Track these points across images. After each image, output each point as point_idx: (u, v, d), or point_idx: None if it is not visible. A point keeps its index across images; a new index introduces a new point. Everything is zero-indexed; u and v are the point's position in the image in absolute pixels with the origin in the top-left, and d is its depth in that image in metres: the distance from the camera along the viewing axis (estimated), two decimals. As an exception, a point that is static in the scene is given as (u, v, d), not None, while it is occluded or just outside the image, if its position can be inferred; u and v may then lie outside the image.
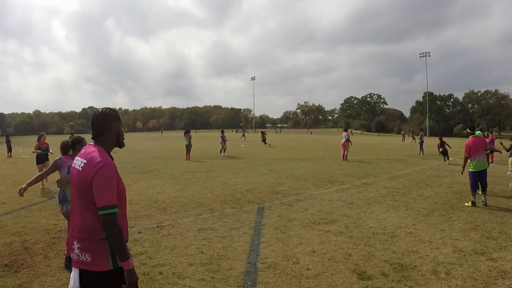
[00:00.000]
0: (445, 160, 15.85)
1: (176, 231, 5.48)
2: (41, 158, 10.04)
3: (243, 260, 4.31)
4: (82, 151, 2.19)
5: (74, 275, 2.10)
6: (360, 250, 4.59)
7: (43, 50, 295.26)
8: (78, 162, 2.13)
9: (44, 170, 8.80)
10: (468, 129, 7.82)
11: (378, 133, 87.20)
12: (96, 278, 2.02)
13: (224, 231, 5.47)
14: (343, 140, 16.67)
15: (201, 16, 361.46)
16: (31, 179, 4.23)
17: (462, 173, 7.68)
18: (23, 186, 4.01)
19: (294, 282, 3.71)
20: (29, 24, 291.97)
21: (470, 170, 7.24)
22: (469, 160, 7.32)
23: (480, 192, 7.56)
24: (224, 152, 19.88)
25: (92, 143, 2.17)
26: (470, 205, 7.04)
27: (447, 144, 16.13)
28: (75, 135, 4.94)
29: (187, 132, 18.05)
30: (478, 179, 7.16)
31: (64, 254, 4.27)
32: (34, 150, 10.08)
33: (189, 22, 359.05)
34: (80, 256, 2.04)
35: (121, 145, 2.28)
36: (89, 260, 2.02)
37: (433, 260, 4.24)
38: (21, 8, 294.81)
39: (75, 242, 2.07)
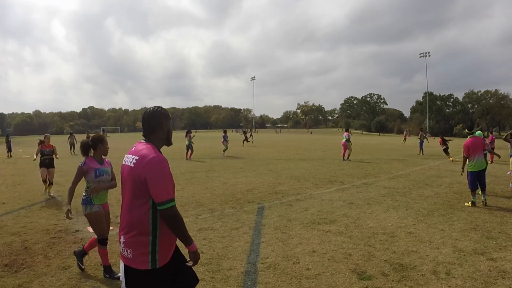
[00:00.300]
0: (447, 155, 16.74)
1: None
2: (45, 163, 8.61)
3: (243, 260, 4.31)
4: (133, 149, 2.21)
5: (121, 268, 2.15)
6: (360, 250, 4.59)
7: (43, 50, 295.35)
8: (129, 159, 2.15)
9: (48, 176, 8.38)
10: (466, 129, 7.82)
11: (378, 133, 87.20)
12: (135, 275, 2.05)
13: (224, 231, 5.47)
14: (344, 140, 16.69)
15: (201, 16, 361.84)
16: (68, 198, 3.95)
17: (462, 174, 7.69)
18: (68, 208, 3.86)
19: (294, 282, 3.71)
20: (29, 24, 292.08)
21: (469, 170, 7.24)
22: (467, 160, 7.33)
23: (479, 192, 7.59)
24: (224, 152, 19.89)
25: (143, 141, 2.20)
26: (470, 205, 7.04)
27: (447, 141, 16.95)
28: (95, 133, 4.47)
29: (188, 133, 18.08)
30: (477, 179, 7.17)
31: (101, 264, 4.05)
32: (35, 156, 8.71)
33: (189, 22, 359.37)
34: (123, 250, 2.09)
35: (169, 143, 2.31)
36: (130, 256, 2.05)
37: (433, 260, 4.24)
38: (21, 8, 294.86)
39: (121, 236, 2.12)
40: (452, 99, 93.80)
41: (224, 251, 4.60)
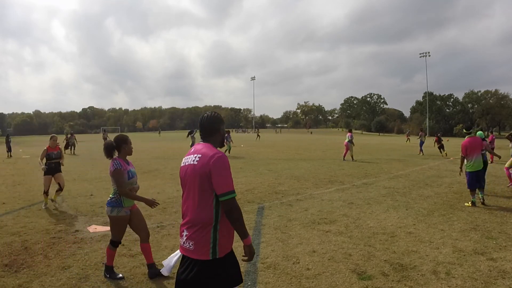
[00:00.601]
0: (441, 153, 18.43)
1: (176, 231, 5.48)
2: (51, 169, 7.28)
3: (243, 260, 4.31)
4: (192, 150, 2.41)
5: (176, 258, 2.38)
6: (360, 250, 4.59)
7: (43, 50, 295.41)
8: (191, 158, 2.34)
9: (57, 181, 7.32)
10: (464, 129, 7.82)
11: (378, 133, 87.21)
12: (195, 265, 2.19)
13: (224, 231, 5.46)
14: (346, 140, 16.71)
15: (201, 16, 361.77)
16: (138, 198, 3.75)
17: (460, 174, 7.72)
18: (151, 199, 3.75)
19: (294, 282, 3.71)
20: (29, 24, 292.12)
21: (467, 170, 7.25)
22: (465, 160, 7.33)
23: (477, 191, 7.61)
24: (228, 152, 19.84)
25: (202, 141, 2.41)
26: (470, 205, 7.04)
27: (442, 140, 19.01)
28: (119, 134, 4.19)
29: (190, 132, 18.13)
30: (476, 179, 7.18)
31: (103, 263, 4.01)
32: (43, 164, 7.21)
33: (189, 22, 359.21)
34: (185, 243, 2.25)
35: (222, 145, 2.48)
36: (192, 248, 2.21)
37: (433, 260, 4.24)
38: (21, 7, 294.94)
39: (184, 230, 2.28)
40: (452, 99, 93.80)
41: (224, 251, 4.60)
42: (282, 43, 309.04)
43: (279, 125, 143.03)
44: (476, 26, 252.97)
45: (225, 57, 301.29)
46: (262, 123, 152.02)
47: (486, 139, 9.52)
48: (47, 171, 7.20)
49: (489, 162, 8.99)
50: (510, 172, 9.19)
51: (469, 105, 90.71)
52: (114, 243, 3.87)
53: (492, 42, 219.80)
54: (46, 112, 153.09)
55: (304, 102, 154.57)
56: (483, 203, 7.11)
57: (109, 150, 3.89)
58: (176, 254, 3.50)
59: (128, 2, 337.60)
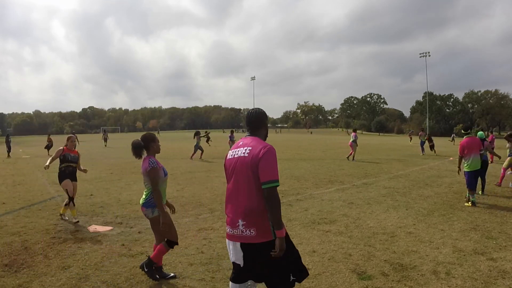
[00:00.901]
0: (431, 149, 20.29)
1: (176, 231, 5.48)
2: (70, 172, 6.22)
3: (243, 260, 4.31)
4: (240, 143, 2.59)
5: (234, 247, 2.50)
6: (360, 250, 4.59)
7: (42, 50, 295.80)
8: (240, 151, 2.52)
9: (71, 189, 6.12)
10: (462, 130, 7.88)
11: (378, 133, 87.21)
12: (257, 248, 2.40)
13: (224, 231, 5.44)
14: (351, 140, 16.73)
15: (201, 16, 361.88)
16: (161, 204, 3.62)
17: (458, 173, 7.77)
18: (166, 214, 3.58)
19: (294, 282, 3.70)
20: (28, 24, 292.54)
21: (465, 170, 7.28)
22: (464, 160, 7.37)
23: (480, 192, 7.68)
24: None
25: (248, 136, 2.61)
26: (470, 205, 7.04)
27: (432, 139, 20.69)
28: (146, 132, 4.12)
29: (197, 134, 18.17)
30: (475, 179, 7.21)
31: (154, 265, 3.82)
32: (48, 163, 5.98)
33: (189, 21, 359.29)
34: (244, 231, 2.42)
35: (266, 138, 2.67)
36: (253, 234, 2.40)
37: (433, 260, 4.24)
38: (21, 7, 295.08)
39: (239, 220, 2.43)
40: (452, 99, 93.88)
41: (224, 251, 4.59)
42: (282, 43, 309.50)
43: (279, 125, 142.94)
44: (476, 26, 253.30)
45: (225, 57, 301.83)
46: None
47: (487, 139, 9.52)
48: (64, 174, 6.12)
49: (490, 162, 9.00)
50: (507, 173, 9.25)
51: (469, 105, 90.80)
52: (171, 243, 3.77)
53: (492, 42, 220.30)
54: (46, 112, 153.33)
55: (304, 102, 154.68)
56: (470, 201, 7.19)
57: (138, 149, 3.79)
58: None
59: (128, 2, 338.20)
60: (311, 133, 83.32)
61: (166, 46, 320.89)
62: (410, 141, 34.94)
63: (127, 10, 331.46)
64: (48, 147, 23.02)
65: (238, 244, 2.47)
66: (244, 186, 2.46)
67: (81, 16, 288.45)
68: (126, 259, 4.35)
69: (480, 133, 8.48)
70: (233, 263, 2.57)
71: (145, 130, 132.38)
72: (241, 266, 2.50)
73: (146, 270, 3.75)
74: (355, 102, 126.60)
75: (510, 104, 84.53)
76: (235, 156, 2.54)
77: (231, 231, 2.51)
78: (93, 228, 5.67)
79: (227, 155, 2.67)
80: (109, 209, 6.93)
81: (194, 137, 17.89)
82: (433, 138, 22.25)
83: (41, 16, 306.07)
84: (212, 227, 5.67)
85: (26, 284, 3.66)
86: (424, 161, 16.34)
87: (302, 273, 2.61)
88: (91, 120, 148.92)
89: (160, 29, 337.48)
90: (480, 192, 8.19)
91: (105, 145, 30.47)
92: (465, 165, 7.29)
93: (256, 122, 2.63)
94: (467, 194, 7.27)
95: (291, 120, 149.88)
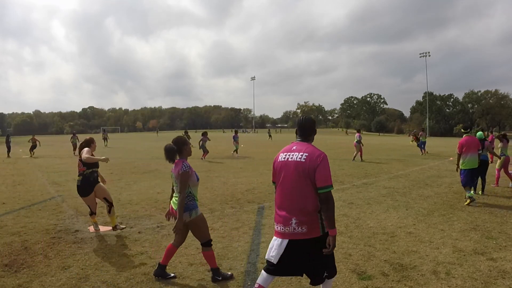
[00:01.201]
0: (416, 144, 21.43)
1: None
2: (94, 179, 5.34)
3: (243, 260, 4.31)
4: (293, 147, 2.82)
5: (279, 244, 2.72)
6: (360, 250, 4.59)
7: (42, 50, 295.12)
8: (296, 155, 2.75)
9: (100, 198, 5.40)
10: (462, 129, 8.02)
11: (378, 133, 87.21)
12: (306, 243, 2.68)
13: (224, 231, 5.47)
14: (355, 141, 16.75)
15: (201, 16, 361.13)
16: (181, 210, 3.51)
17: (457, 170, 7.86)
18: (184, 219, 3.56)
19: (294, 282, 3.70)
20: (28, 24, 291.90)
21: (462, 167, 7.40)
22: (461, 158, 7.48)
23: (479, 192, 7.73)
24: (236, 152, 19.51)
25: (300, 141, 2.86)
26: (469, 201, 7.12)
27: (419, 138, 20.82)
28: (177, 136, 4.06)
29: (204, 134, 18.29)
30: (470, 177, 7.32)
31: (208, 270, 3.88)
32: (83, 172, 5.26)
33: (190, 21, 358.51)
34: (296, 228, 2.67)
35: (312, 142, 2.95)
36: (305, 230, 2.66)
37: (433, 260, 4.24)
38: (21, 7, 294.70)
39: (293, 218, 2.68)
40: (452, 99, 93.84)
41: (224, 251, 4.60)
42: (282, 43, 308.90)
43: (279, 125, 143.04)
44: (476, 26, 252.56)
45: (225, 57, 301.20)
46: (262, 123, 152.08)
47: (487, 139, 9.53)
48: (89, 183, 5.28)
49: (490, 162, 9.01)
50: (501, 174, 9.28)
51: (469, 105, 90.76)
52: (208, 243, 3.73)
53: (492, 42, 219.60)
54: (46, 112, 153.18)
55: (304, 102, 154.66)
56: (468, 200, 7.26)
57: (172, 153, 3.71)
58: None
59: (128, 2, 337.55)
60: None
61: (166, 46, 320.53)
62: (412, 141, 34.60)
63: (127, 10, 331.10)
64: (33, 148, 21.68)
65: (286, 241, 2.71)
66: (299, 188, 2.69)
67: (81, 16, 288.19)
68: (126, 259, 4.35)
69: (479, 133, 8.50)
70: (267, 260, 2.82)
71: (145, 130, 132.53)
72: (274, 263, 2.74)
73: (220, 278, 3.71)
74: (355, 102, 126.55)
75: (510, 104, 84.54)
76: (289, 159, 2.77)
77: (282, 229, 2.73)
78: (93, 228, 5.67)
79: (277, 156, 2.89)
80: (109, 209, 6.93)
81: (200, 142, 18.00)
82: (432, 138, 22.36)
83: (41, 16, 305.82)
84: (212, 227, 5.66)
85: (26, 284, 3.66)
86: (424, 161, 16.34)
87: (333, 271, 2.89)
88: (91, 120, 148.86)
89: (160, 29, 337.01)
90: (480, 192, 8.21)
91: (106, 145, 30.47)
92: (462, 162, 7.40)
93: (309, 129, 2.89)
94: (467, 195, 7.31)
95: (291, 120, 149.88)
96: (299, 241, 2.68)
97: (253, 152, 22.74)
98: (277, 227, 2.78)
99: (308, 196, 2.67)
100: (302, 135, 2.88)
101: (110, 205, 5.41)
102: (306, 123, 2.90)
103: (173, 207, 3.74)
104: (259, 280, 2.87)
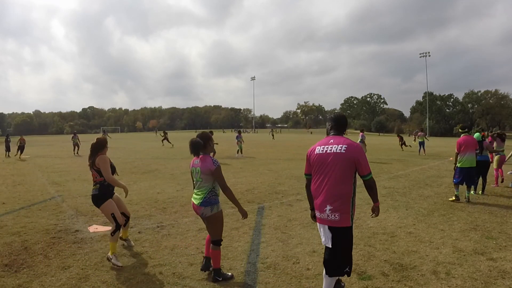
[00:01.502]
0: (402, 147, 23.51)
1: (176, 231, 5.48)
2: (112, 189, 4.56)
3: (243, 260, 4.31)
4: (331, 140, 3.09)
5: (324, 230, 3.04)
6: (360, 250, 4.59)
7: (42, 50, 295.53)
8: (335, 147, 3.02)
9: (122, 210, 4.69)
10: (460, 129, 8.21)
11: (378, 133, 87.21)
12: (339, 231, 2.98)
13: (224, 231, 5.43)
14: (358, 141, 16.76)
15: (201, 15, 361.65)
16: (238, 202, 3.83)
17: (454, 169, 8.00)
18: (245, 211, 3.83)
19: (294, 282, 3.71)
20: (28, 23, 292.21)
21: (458, 165, 7.55)
22: (458, 156, 7.62)
23: (479, 192, 7.79)
24: (241, 152, 19.38)
25: (336, 135, 3.14)
26: (454, 199, 7.38)
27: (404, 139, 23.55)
28: (203, 131, 4.12)
29: (239, 133, 18.54)
30: (465, 175, 7.44)
31: (203, 254, 4.01)
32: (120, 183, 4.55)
33: (190, 21, 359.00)
34: (330, 215, 2.97)
35: None
36: (337, 218, 2.94)
37: (433, 260, 4.24)
38: (21, 7, 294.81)
39: (327, 206, 2.97)
40: (452, 99, 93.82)
41: (224, 251, 4.60)
42: (283, 43, 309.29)
43: (279, 125, 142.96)
44: (477, 25, 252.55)
45: (226, 56, 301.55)
46: (262, 123, 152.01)
47: (486, 139, 9.55)
48: (108, 190, 4.48)
49: (490, 162, 9.03)
50: (507, 173, 9.33)
51: (469, 105, 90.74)
52: (219, 242, 3.80)
53: (493, 42, 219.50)
54: (46, 112, 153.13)
55: (304, 102, 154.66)
56: (468, 201, 7.36)
57: (198, 147, 3.79)
58: None
59: (128, 2, 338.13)
60: (311, 133, 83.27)
61: (166, 45, 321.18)
62: (414, 141, 34.01)
63: (127, 9, 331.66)
64: (21, 149, 20.12)
65: (326, 226, 3.01)
66: (338, 176, 2.95)
67: (81, 16, 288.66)
68: (126, 259, 4.35)
69: (476, 134, 8.54)
70: (325, 246, 3.11)
71: (145, 130, 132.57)
72: (330, 247, 3.02)
73: (220, 278, 3.73)
74: (355, 102, 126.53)
75: (510, 104, 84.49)
76: (328, 151, 3.03)
77: (319, 215, 3.06)
78: (93, 228, 5.67)
79: (313, 150, 3.18)
80: (109, 209, 6.93)
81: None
82: (432, 138, 22.44)
83: (41, 16, 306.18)
84: (212, 227, 5.66)
85: (26, 284, 3.67)
86: (424, 161, 16.34)
87: (351, 269, 3.16)
88: (91, 120, 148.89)
89: (160, 29, 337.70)
90: (480, 192, 8.21)
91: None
92: (459, 161, 7.54)
93: (344, 125, 3.24)
94: (467, 194, 7.40)
95: (291, 120, 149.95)
96: (332, 228, 2.98)
97: (253, 152, 22.72)
98: (317, 214, 3.11)
99: (345, 183, 2.95)
100: (337, 130, 3.18)
101: (127, 219, 4.91)
102: (341, 119, 3.23)
103: (194, 202, 3.85)
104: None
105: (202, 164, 3.74)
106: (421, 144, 20.57)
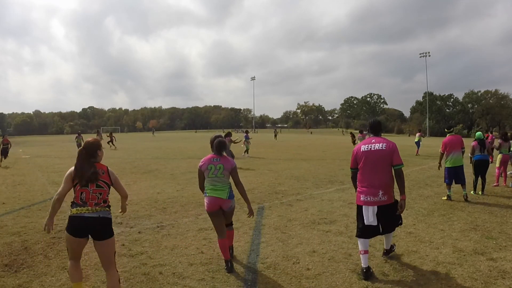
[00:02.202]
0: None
1: (176, 231, 5.49)
2: None
3: (243, 260, 4.31)
4: (373, 140, 4.03)
5: (371, 211, 3.89)
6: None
7: (42, 49, 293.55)
8: (377, 145, 3.95)
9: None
10: (445, 129, 8.40)
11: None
12: (387, 207, 3.91)
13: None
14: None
15: (202, 15, 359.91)
16: (248, 199, 4.28)
17: (438, 168, 8.18)
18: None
19: (294, 282, 3.71)
20: (28, 23, 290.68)
21: (446, 165, 7.68)
22: (445, 156, 7.77)
23: (478, 192, 7.86)
24: (247, 152, 19.17)
25: (374, 136, 4.11)
26: (446, 198, 7.51)
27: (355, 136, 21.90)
28: (218, 134, 4.55)
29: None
30: (454, 175, 7.55)
31: (220, 257, 4.30)
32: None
33: (190, 21, 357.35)
34: (382, 198, 3.87)
35: None
36: (386, 199, 3.89)
37: (433, 260, 4.24)
38: (20, 6, 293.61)
39: (380, 191, 3.87)
40: (452, 99, 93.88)
41: (224, 251, 4.60)
42: (283, 43, 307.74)
43: (279, 125, 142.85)
44: (478, 25, 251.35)
45: (226, 56, 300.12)
46: (262, 123, 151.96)
47: (486, 139, 9.58)
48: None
49: (490, 162, 9.03)
50: (508, 174, 9.37)
51: (469, 105, 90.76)
52: (232, 223, 4.46)
53: (494, 42, 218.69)
54: (46, 112, 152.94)
55: (304, 102, 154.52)
56: (466, 200, 7.42)
57: (223, 148, 4.19)
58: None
59: (128, 1, 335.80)
60: (311, 133, 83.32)
61: (166, 45, 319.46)
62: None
63: (127, 9, 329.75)
64: (4, 152, 16.97)
65: (375, 207, 3.86)
66: (383, 168, 3.90)
67: (80, 16, 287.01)
68: (126, 259, 4.35)
69: (478, 133, 8.57)
70: (367, 226, 3.91)
71: (145, 130, 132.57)
72: (375, 225, 3.89)
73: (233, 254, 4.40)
74: (355, 102, 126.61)
75: (510, 104, 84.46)
76: (372, 149, 3.93)
77: (371, 199, 3.88)
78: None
79: (359, 148, 4.02)
80: (109, 209, 6.93)
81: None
82: (432, 138, 22.33)
83: (41, 15, 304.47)
84: (212, 227, 5.66)
85: (26, 284, 3.67)
86: (424, 161, 16.34)
87: (401, 222, 4.20)
88: (91, 120, 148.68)
89: (160, 29, 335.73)
90: (480, 192, 8.21)
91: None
92: (446, 161, 7.68)
93: (379, 128, 4.20)
94: (464, 192, 7.53)
95: (291, 120, 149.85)
96: (384, 206, 3.88)
97: (253, 152, 22.71)
98: (366, 198, 3.90)
99: (388, 173, 3.90)
100: (375, 132, 4.13)
101: None
102: (378, 124, 4.20)
103: (220, 197, 4.05)
104: (362, 247, 3.89)
105: (224, 162, 4.10)
106: (417, 143, 20.78)
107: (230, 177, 4.15)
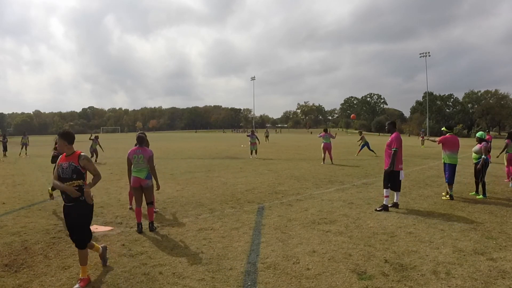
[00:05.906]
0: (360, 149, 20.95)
1: (176, 231, 5.49)
2: None
3: (243, 260, 4.31)
4: (390, 134, 7.00)
5: (403, 173, 7.05)
6: (360, 250, 4.59)
7: (41, 49, 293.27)
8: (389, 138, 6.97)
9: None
10: (444, 128, 8.42)
11: (378, 133, 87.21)
12: (387, 171, 6.85)
13: (224, 231, 5.47)
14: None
15: (202, 13, 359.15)
16: None
17: (422, 144, 8.73)
18: None
19: (294, 282, 3.71)
20: (27, 22, 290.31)
21: (448, 162, 7.84)
22: (442, 152, 8.04)
23: (476, 191, 8.16)
24: (256, 153, 18.65)
25: (389, 131, 7.07)
26: (448, 198, 7.66)
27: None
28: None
29: (253, 133, 18.54)
30: (453, 173, 7.75)
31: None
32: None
33: (190, 19, 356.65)
34: (387, 165, 6.88)
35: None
36: (391, 168, 6.78)
37: (433, 260, 4.24)
38: (19, 5, 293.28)
39: (388, 162, 6.85)
40: (452, 99, 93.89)
41: (224, 251, 4.60)
42: (284, 42, 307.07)
43: (279, 125, 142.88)
44: (482, 24, 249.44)
45: (227, 55, 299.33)
46: (262, 123, 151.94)
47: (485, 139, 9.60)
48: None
49: (490, 162, 9.04)
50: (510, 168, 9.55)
51: (469, 105, 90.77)
52: (152, 203, 5.84)
53: (496, 41, 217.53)
54: (46, 112, 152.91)
55: (304, 102, 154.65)
56: (451, 198, 7.66)
57: (143, 141, 5.82)
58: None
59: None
60: (311, 133, 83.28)
61: (167, 44, 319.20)
62: (422, 144, 27.70)
63: (127, 7, 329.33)
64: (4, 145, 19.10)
65: (403, 171, 6.92)
66: (387, 152, 6.81)
67: (80, 14, 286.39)
68: (126, 259, 4.36)
69: (479, 133, 8.58)
70: (399, 181, 6.99)
71: (145, 130, 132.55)
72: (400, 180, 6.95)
73: (155, 228, 5.59)
74: (355, 102, 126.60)
75: (510, 104, 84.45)
76: (388, 140, 6.89)
77: (402, 166, 6.92)
78: (93, 228, 5.65)
79: (400, 137, 6.83)
80: (109, 209, 6.93)
81: (251, 135, 18.22)
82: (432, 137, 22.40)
83: (39, 14, 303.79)
84: (212, 227, 5.67)
85: (26, 284, 3.67)
86: (424, 161, 16.35)
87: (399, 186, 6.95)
88: (91, 120, 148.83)
89: (161, 27, 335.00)
90: (481, 196, 8.12)
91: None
92: (442, 156, 7.95)
93: (394, 126, 7.03)
94: (461, 191, 7.76)
95: (291, 120, 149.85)
96: (388, 170, 6.82)
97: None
98: (401, 165, 6.92)
99: (388, 155, 6.79)
100: (391, 130, 7.01)
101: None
102: (391, 123, 7.17)
103: (140, 176, 5.62)
104: (389, 201, 6.73)
105: (144, 152, 5.66)
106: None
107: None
